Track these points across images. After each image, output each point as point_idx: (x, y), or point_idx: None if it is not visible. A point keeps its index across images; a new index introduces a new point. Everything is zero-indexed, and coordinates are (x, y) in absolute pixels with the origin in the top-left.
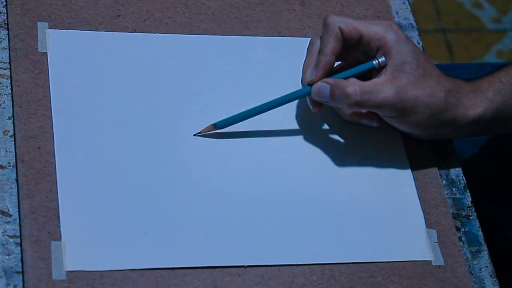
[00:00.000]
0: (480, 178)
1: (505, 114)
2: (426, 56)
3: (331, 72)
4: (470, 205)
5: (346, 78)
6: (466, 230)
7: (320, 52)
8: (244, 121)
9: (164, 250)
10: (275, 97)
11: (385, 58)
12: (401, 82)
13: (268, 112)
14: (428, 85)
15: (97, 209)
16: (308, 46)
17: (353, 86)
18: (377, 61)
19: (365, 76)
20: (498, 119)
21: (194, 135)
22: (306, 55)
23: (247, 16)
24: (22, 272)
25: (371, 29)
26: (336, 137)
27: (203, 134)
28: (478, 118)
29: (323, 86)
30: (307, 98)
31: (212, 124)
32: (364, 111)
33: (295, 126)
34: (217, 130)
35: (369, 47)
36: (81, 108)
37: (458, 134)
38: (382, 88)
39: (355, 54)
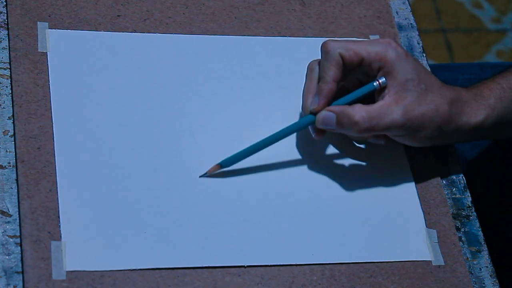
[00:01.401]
0: (481, 178)
1: (506, 119)
2: (426, 69)
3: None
4: (470, 205)
5: (349, 102)
6: (466, 230)
7: (321, 79)
8: (242, 122)
9: (164, 250)
10: (273, 97)
11: (385, 79)
12: (406, 101)
13: (267, 114)
14: (432, 100)
15: (97, 209)
16: (307, 72)
17: (360, 113)
18: (377, 83)
19: (365, 96)
20: (499, 125)
21: (200, 176)
22: (306, 81)
23: (247, 16)
24: (22, 272)
25: (371, 50)
26: (335, 138)
27: (209, 174)
28: (480, 125)
29: (328, 115)
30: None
31: (217, 164)
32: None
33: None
34: (223, 170)
35: (370, 68)
36: (81, 108)
37: (459, 141)
38: (388, 110)
39: (355, 75)
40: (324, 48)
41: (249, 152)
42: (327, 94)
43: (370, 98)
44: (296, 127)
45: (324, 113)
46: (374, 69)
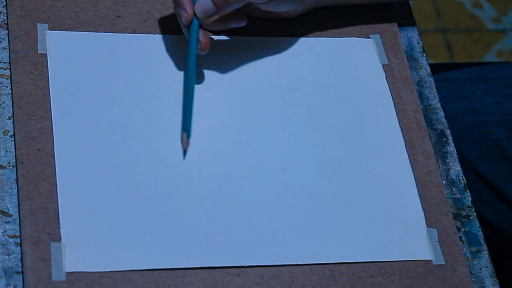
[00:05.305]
0: (481, 178)
1: None
2: None
3: None
4: (470, 205)
5: None
6: (466, 230)
7: None
8: (242, 122)
9: (163, 250)
10: (273, 96)
11: None
12: None
13: (268, 115)
14: None
15: (97, 210)
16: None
17: None
18: None
19: None
20: None
21: (184, 156)
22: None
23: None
24: (22, 272)
25: None
26: (336, 136)
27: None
28: None
29: (204, 4)
30: (191, 50)
31: (186, 139)
32: (231, 10)
33: (294, 125)
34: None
35: None
36: (81, 109)
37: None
38: None
39: None
40: None
41: (189, 104)
42: (189, 1)
43: None
44: (194, 45)
45: (201, 2)
46: None
